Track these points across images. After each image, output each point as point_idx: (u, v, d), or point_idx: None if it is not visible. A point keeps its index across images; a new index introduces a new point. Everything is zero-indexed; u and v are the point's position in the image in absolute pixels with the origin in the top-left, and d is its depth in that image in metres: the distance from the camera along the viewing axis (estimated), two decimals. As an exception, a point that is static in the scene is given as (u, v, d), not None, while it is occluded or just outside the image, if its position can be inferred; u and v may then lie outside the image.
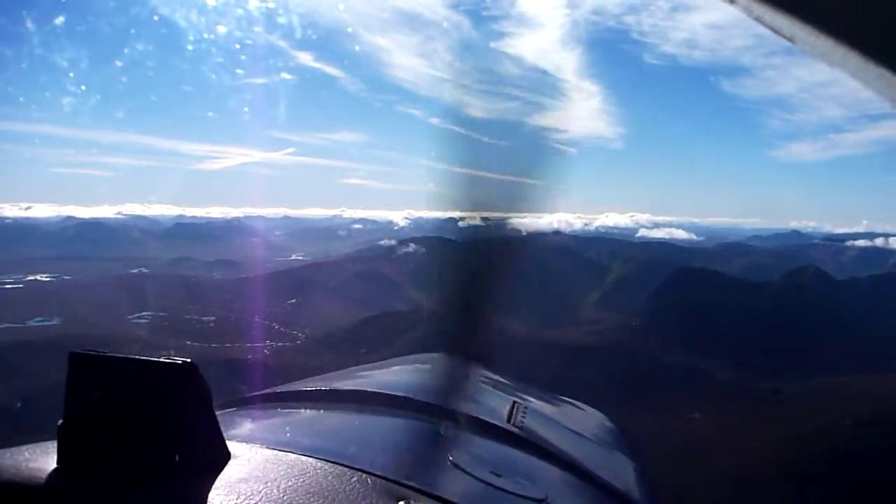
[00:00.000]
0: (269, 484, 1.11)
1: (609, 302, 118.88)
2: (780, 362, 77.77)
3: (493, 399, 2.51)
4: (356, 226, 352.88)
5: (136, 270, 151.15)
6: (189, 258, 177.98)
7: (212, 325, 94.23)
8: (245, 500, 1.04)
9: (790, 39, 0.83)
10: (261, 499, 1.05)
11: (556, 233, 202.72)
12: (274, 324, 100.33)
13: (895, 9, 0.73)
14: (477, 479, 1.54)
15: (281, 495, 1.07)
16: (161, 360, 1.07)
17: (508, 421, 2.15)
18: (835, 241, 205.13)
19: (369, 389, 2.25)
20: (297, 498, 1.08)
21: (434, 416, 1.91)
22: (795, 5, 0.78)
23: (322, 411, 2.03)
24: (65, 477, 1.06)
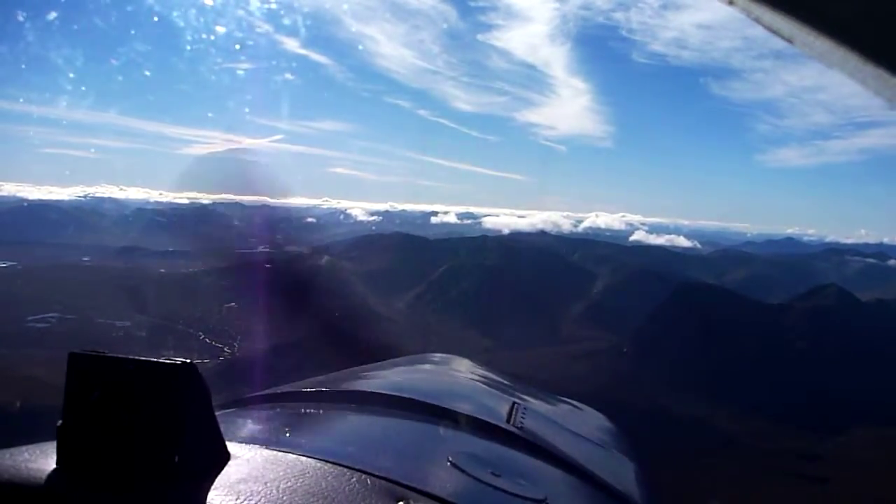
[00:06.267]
0: (268, 484, 1.11)
1: (595, 317, 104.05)
2: (812, 411, 62.97)
3: (492, 399, 2.54)
4: (336, 216, 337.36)
5: (74, 260, 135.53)
6: (139, 248, 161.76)
7: (122, 333, 79.21)
8: (245, 500, 1.05)
9: (789, 40, 0.82)
10: (260, 499, 1.06)
11: (542, 233, 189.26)
12: (200, 333, 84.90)
13: (894, 9, 0.73)
14: (477, 479, 1.54)
15: (281, 496, 1.08)
16: (160, 360, 1.08)
17: (508, 421, 2.16)
18: (838, 253, 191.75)
19: (369, 390, 2.29)
20: (296, 498, 1.08)
21: (433, 416, 1.97)
22: (794, 6, 0.78)
23: (321, 412, 2.04)
24: (64, 477, 1.07)
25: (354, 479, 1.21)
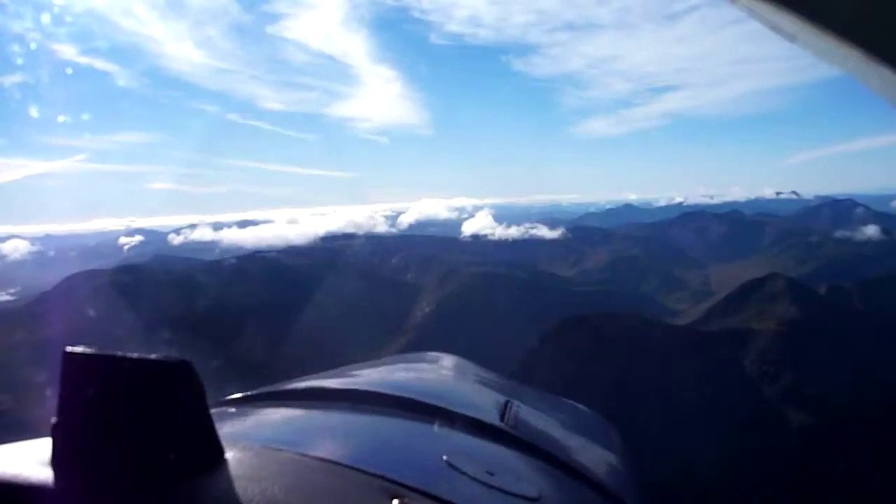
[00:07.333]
0: (263, 482, 1.10)
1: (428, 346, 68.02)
2: None
3: (486, 398, 2.57)
4: (134, 238, 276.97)
5: None
6: None
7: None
8: (240, 498, 1.04)
9: (791, 38, 0.82)
10: (256, 497, 1.05)
11: (348, 236, 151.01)
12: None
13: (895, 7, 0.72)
14: (471, 477, 1.54)
15: (276, 494, 1.07)
16: (155, 358, 1.06)
17: (502, 420, 2.17)
18: (694, 216, 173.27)
19: (364, 388, 2.30)
20: (292, 496, 1.07)
21: (428, 414, 1.99)
22: (797, 4, 0.78)
23: (317, 410, 2.05)
24: (59, 476, 1.05)
25: (350, 476, 1.21)
